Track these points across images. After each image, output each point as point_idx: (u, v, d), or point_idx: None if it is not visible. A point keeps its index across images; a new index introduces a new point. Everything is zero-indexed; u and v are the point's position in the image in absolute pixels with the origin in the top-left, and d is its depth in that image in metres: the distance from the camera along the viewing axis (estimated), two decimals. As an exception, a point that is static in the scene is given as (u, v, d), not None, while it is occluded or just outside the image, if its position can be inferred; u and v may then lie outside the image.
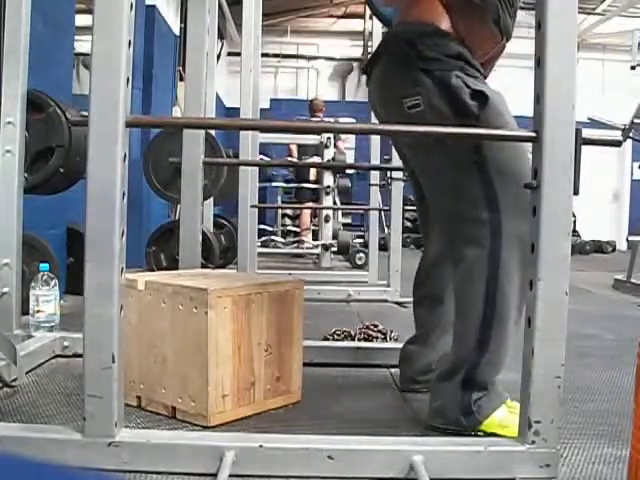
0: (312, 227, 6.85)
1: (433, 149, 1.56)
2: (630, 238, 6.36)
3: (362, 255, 5.61)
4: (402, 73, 1.55)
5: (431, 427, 1.54)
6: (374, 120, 1.86)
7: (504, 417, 1.48)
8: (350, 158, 8.62)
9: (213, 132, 3.41)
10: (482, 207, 1.48)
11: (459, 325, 1.55)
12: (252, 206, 3.63)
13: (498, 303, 1.47)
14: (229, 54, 9.38)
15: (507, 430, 1.44)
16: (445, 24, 1.55)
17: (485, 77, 1.62)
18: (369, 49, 9.66)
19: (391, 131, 1.53)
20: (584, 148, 1.27)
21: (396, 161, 3.80)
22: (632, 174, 11.34)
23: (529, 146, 1.34)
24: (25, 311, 2.25)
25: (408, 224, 9.48)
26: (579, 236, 9.88)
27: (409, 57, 1.53)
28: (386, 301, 3.70)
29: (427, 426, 1.56)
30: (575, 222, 9.73)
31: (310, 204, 6.38)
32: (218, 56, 5.97)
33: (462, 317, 1.54)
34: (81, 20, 3.60)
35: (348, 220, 8.56)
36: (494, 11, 1.56)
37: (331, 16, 10.80)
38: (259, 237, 5.00)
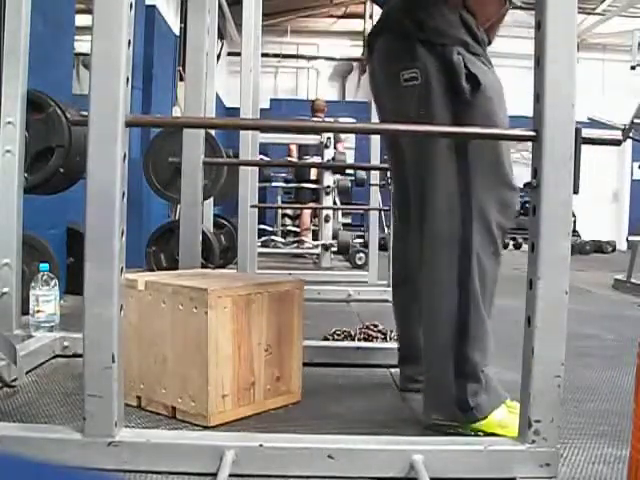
0: (312, 227, 6.85)
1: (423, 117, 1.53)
2: (630, 238, 6.36)
3: (362, 255, 5.61)
4: (402, 45, 1.52)
5: (429, 426, 1.53)
6: (374, 120, 1.85)
7: (504, 417, 1.48)
8: (350, 158, 8.62)
9: (213, 132, 3.41)
10: (455, 192, 1.49)
11: (435, 317, 1.54)
12: (252, 206, 3.63)
13: (472, 288, 1.47)
14: (229, 54, 9.38)
15: (507, 430, 1.44)
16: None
17: (489, 43, 1.59)
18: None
19: (391, 131, 1.52)
20: (584, 148, 1.27)
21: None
22: (632, 174, 11.34)
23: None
24: (25, 311, 2.25)
25: (408, 224, 9.49)
26: (579, 236, 9.89)
27: (409, 29, 1.50)
28: (386, 301, 3.68)
29: (425, 426, 1.55)
30: (575, 222, 9.73)
31: (310, 204, 6.38)
32: (218, 56, 5.97)
33: (437, 309, 1.53)
34: (81, 20, 3.60)
35: (348, 220, 8.56)
36: None
37: (331, 16, 10.81)
38: (259, 237, 5.00)
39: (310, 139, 5.92)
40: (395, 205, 1.85)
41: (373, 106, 4.46)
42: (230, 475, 1.23)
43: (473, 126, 1.46)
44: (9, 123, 2.14)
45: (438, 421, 1.52)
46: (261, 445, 1.30)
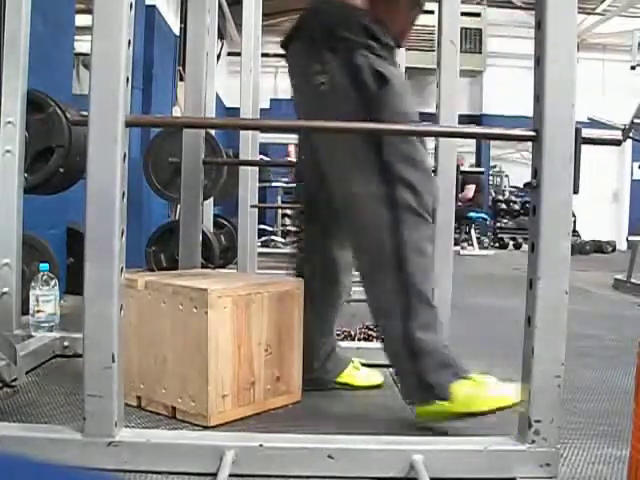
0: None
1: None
2: (630, 238, 6.36)
3: (362, 255, 5.59)
4: (311, 51, 1.58)
5: (419, 424, 1.55)
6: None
7: (469, 392, 1.49)
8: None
9: (213, 132, 3.41)
10: (377, 179, 1.52)
11: (376, 302, 1.58)
12: (252, 206, 3.63)
13: (408, 267, 1.50)
14: (229, 54, 9.38)
15: (476, 405, 1.46)
16: (360, 5, 1.56)
17: (399, 46, 1.67)
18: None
19: (391, 131, 1.52)
20: (584, 148, 1.27)
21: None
22: (632, 174, 11.35)
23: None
24: (25, 311, 2.25)
25: (408, 224, 9.49)
26: (579, 236, 9.89)
27: (318, 35, 1.56)
28: (386, 301, 3.70)
29: (418, 426, 1.56)
30: (575, 222, 9.74)
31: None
32: (218, 56, 5.97)
33: (376, 294, 1.56)
34: (81, 20, 3.60)
35: (348, 220, 8.55)
36: None
37: (331, 16, 10.79)
38: (259, 237, 5.00)
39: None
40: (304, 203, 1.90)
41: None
42: (230, 475, 1.23)
43: (388, 122, 1.50)
44: (9, 123, 2.14)
45: (411, 404, 1.54)
46: (261, 445, 1.30)
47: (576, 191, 1.25)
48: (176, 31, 6.23)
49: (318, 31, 1.56)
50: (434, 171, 2.21)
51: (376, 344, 2.38)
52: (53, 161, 2.43)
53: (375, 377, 1.96)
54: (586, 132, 1.27)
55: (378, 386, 1.94)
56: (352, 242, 1.68)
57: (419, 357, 1.51)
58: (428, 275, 1.56)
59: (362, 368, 1.95)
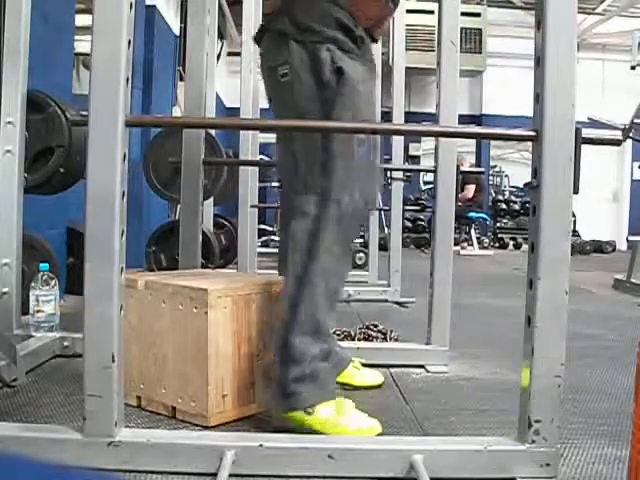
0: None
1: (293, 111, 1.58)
2: (630, 238, 6.36)
3: (362, 255, 5.61)
4: (279, 43, 1.58)
5: (266, 413, 1.55)
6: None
7: (329, 417, 1.47)
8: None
9: (213, 132, 3.41)
10: (320, 180, 1.52)
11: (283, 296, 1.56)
12: (252, 206, 3.63)
13: (310, 273, 1.49)
14: (229, 54, 9.38)
15: (330, 429, 1.45)
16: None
17: (374, 40, 1.67)
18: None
19: (391, 131, 1.53)
20: (584, 148, 1.27)
21: (396, 161, 3.81)
22: (632, 174, 11.35)
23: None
24: (25, 311, 2.25)
25: (408, 224, 9.51)
26: (579, 236, 9.90)
27: (286, 28, 1.56)
28: (386, 301, 3.70)
29: (274, 419, 1.55)
30: (575, 222, 9.74)
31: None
32: (218, 56, 5.97)
33: (285, 287, 1.55)
34: (81, 20, 3.60)
35: (348, 220, 8.54)
36: None
37: (331, 16, 10.79)
38: (259, 237, 5.00)
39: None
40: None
41: (373, 106, 4.44)
42: (230, 475, 1.23)
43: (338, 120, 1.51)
44: (9, 123, 2.14)
45: (269, 408, 1.53)
46: (261, 445, 1.30)
47: (576, 191, 1.25)
48: (176, 31, 6.23)
49: (287, 22, 1.56)
50: (434, 171, 2.21)
51: (376, 344, 2.39)
52: (53, 161, 2.43)
53: (375, 377, 1.96)
54: (586, 132, 1.27)
55: (378, 386, 1.94)
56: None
57: (289, 363, 1.48)
58: (333, 279, 1.54)
59: (362, 368, 1.95)
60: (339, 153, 1.53)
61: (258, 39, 1.70)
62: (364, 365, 1.98)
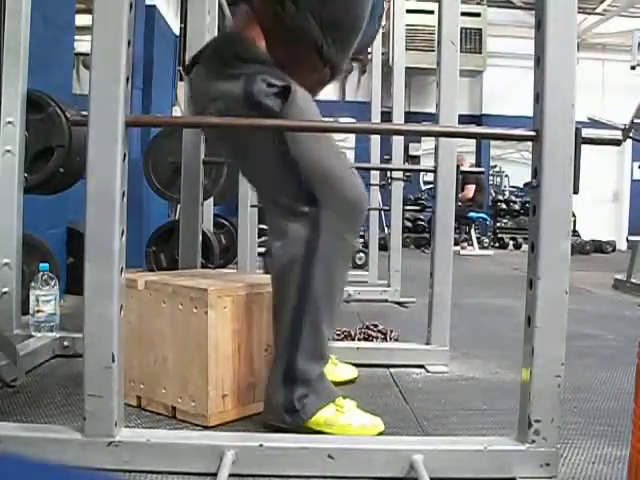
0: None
1: (242, 144, 1.57)
2: (630, 238, 6.36)
3: (362, 255, 5.61)
4: (209, 79, 1.57)
5: (266, 420, 1.54)
6: (374, 120, 1.86)
7: (330, 416, 1.49)
8: (350, 158, 8.60)
9: (213, 132, 3.40)
10: (299, 201, 1.49)
11: (274, 319, 1.55)
12: (252, 206, 3.62)
13: (310, 296, 1.47)
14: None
15: (334, 429, 1.47)
16: (263, 47, 1.54)
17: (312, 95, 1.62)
18: (369, 49, 9.64)
19: (391, 130, 1.53)
20: (584, 148, 1.27)
21: (396, 161, 3.81)
22: (632, 174, 11.35)
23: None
24: (25, 311, 2.25)
25: (408, 224, 9.50)
26: (579, 236, 9.90)
27: (216, 64, 1.56)
28: (386, 301, 3.70)
29: (263, 418, 1.55)
30: (575, 222, 9.74)
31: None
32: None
33: (277, 313, 1.53)
34: (81, 20, 3.60)
35: (348, 220, 8.53)
36: (315, 42, 1.52)
37: (331, 16, 10.78)
38: (259, 237, 5.00)
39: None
40: None
41: (373, 106, 4.46)
42: (230, 475, 1.23)
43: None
44: (9, 123, 2.14)
45: (271, 421, 1.52)
46: (261, 445, 1.30)
47: (576, 191, 1.25)
48: (176, 31, 6.22)
49: (217, 60, 1.55)
50: (434, 171, 2.21)
51: (376, 344, 2.38)
52: (53, 161, 2.43)
53: (350, 372, 1.97)
54: (586, 132, 1.27)
55: (352, 381, 1.95)
56: None
57: (295, 383, 1.50)
58: (335, 294, 1.53)
59: (338, 363, 1.95)
60: (307, 157, 1.49)
61: (188, 69, 1.69)
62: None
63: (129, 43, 1.24)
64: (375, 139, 4.22)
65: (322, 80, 1.65)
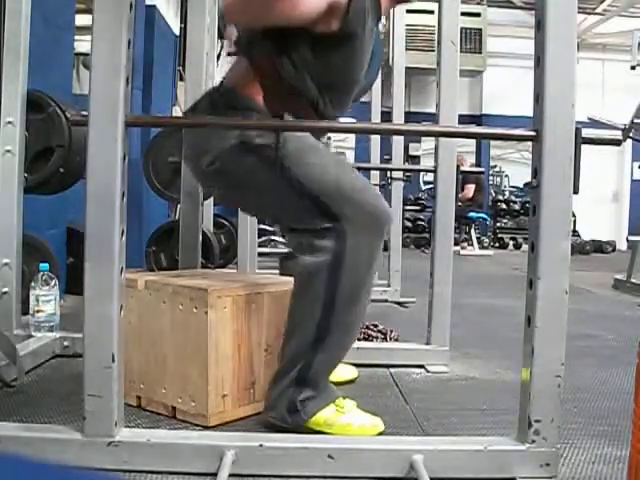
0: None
1: (248, 184, 1.56)
2: (630, 238, 6.36)
3: (362, 255, 5.60)
4: (205, 131, 1.58)
5: (267, 418, 1.54)
6: (374, 120, 1.86)
7: (330, 416, 1.50)
8: (350, 158, 8.61)
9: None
10: (320, 221, 1.47)
11: (296, 324, 1.53)
12: (252, 206, 3.62)
13: (338, 307, 1.47)
14: (229, 54, 9.37)
15: (334, 429, 1.48)
16: (260, 101, 1.55)
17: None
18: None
19: (391, 131, 1.53)
20: (584, 148, 1.27)
21: (396, 161, 3.81)
22: (632, 174, 11.35)
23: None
24: (25, 311, 2.25)
25: (408, 224, 9.50)
26: (579, 236, 9.90)
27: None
28: (386, 301, 3.70)
29: (263, 416, 1.56)
30: (575, 222, 9.74)
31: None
32: (218, 56, 5.96)
33: (299, 317, 1.52)
34: (81, 20, 3.60)
35: (348, 220, 8.53)
36: (312, 101, 1.55)
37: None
38: (259, 237, 5.00)
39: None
40: None
41: (373, 106, 4.45)
42: (230, 475, 1.23)
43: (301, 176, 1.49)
44: (9, 123, 2.14)
45: (272, 420, 1.53)
46: (261, 445, 1.30)
47: (576, 191, 1.25)
48: (176, 31, 6.22)
49: (212, 112, 1.56)
50: (434, 171, 2.21)
51: (376, 344, 2.38)
52: (53, 161, 2.43)
53: (350, 372, 1.98)
54: (586, 132, 1.27)
55: (352, 381, 1.95)
56: None
57: (305, 384, 1.50)
58: (359, 297, 1.54)
59: None
60: (316, 178, 1.49)
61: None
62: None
63: (129, 43, 1.24)
64: (375, 139, 4.22)
65: (322, 132, 1.70)
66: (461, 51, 2.15)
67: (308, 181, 1.48)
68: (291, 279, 1.75)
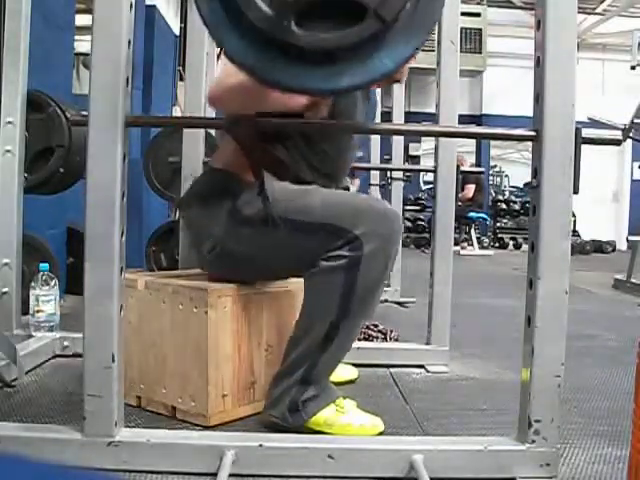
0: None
1: (250, 253, 1.56)
2: (630, 238, 6.36)
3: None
4: (200, 217, 1.61)
5: (267, 417, 1.54)
6: (374, 120, 1.86)
7: (330, 416, 1.50)
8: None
9: (213, 132, 3.40)
10: (334, 240, 1.45)
11: (308, 325, 1.52)
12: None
13: (353, 308, 1.46)
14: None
15: (334, 429, 1.48)
16: (249, 177, 1.56)
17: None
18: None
19: (391, 130, 1.53)
20: (584, 148, 1.27)
21: (396, 161, 3.81)
22: (632, 174, 11.35)
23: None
24: (25, 311, 2.25)
25: (408, 224, 9.51)
26: (579, 236, 9.90)
27: (202, 202, 1.60)
28: (386, 301, 3.70)
29: (263, 415, 1.56)
30: (575, 222, 9.74)
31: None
32: (218, 56, 5.97)
33: (313, 317, 1.51)
34: (81, 20, 3.60)
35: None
36: (304, 178, 1.59)
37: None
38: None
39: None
40: None
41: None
42: (230, 475, 1.23)
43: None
44: (9, 123, 2.14)
45: (272, 419, 1.53)
46: (261, 445, 1.30)
47: (576, 191, 1.25)
48: (176, 31, 6.23)
49: (202, 199, 1.59)
50: (434, 171, 2.21)
51: (376, 344, 2.38)
52: (53, 161, 2.43)
53: (350, 372, 1.98)
54: (586, 132, 1.27)
55: (352, 381, 1.95)
56: None
57: (310, 384, 1.50)
58: (372, 301, 1.52)
59: None
60: (316, 210, 1.49)
61: (181, 206, 1.77)
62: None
63: (129, 43, 1.24)
64: (375, 139, 4.22)
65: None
66: (461, 51, 2.15)
67: (309, 214, 1.49)
68: (292, 279, 1.75)
